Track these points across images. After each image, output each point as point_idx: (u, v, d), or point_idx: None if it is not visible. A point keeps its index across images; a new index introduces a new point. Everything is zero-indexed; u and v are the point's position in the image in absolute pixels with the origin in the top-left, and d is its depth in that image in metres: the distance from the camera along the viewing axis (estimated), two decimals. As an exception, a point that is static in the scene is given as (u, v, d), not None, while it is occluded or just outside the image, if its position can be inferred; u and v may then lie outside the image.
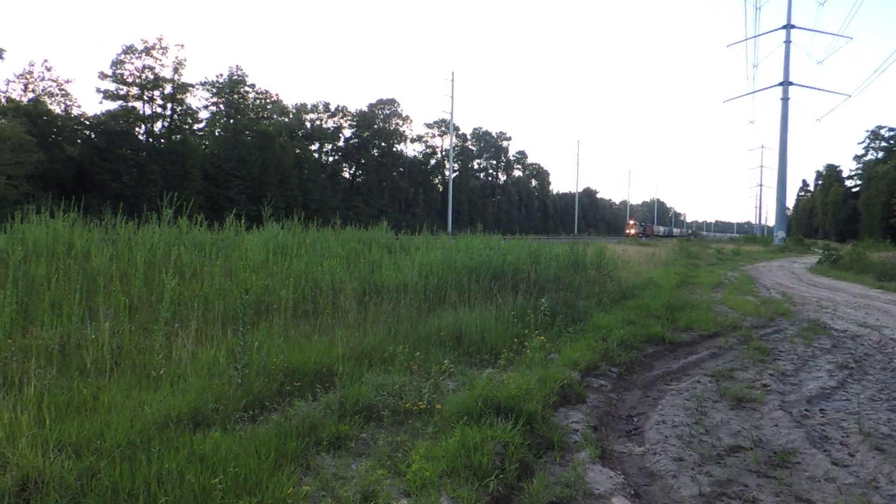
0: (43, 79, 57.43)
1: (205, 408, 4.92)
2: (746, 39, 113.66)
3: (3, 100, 51.63)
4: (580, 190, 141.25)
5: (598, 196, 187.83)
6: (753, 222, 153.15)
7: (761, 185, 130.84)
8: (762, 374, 8.11)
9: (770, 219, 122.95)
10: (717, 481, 4.60)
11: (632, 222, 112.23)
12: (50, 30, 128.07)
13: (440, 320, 8.60)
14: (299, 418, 4.89)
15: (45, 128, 50.75)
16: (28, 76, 57.01)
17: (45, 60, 79.93)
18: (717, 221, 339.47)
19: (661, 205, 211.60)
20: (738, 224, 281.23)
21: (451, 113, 69.41)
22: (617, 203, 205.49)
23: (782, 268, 31.47)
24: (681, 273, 23.04)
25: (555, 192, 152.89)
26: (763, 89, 73.66)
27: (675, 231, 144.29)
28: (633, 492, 4.40)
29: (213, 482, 3.64)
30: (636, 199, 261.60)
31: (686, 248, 42.45)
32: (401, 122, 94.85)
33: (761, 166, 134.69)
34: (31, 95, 55.82)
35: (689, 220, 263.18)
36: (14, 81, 56.51)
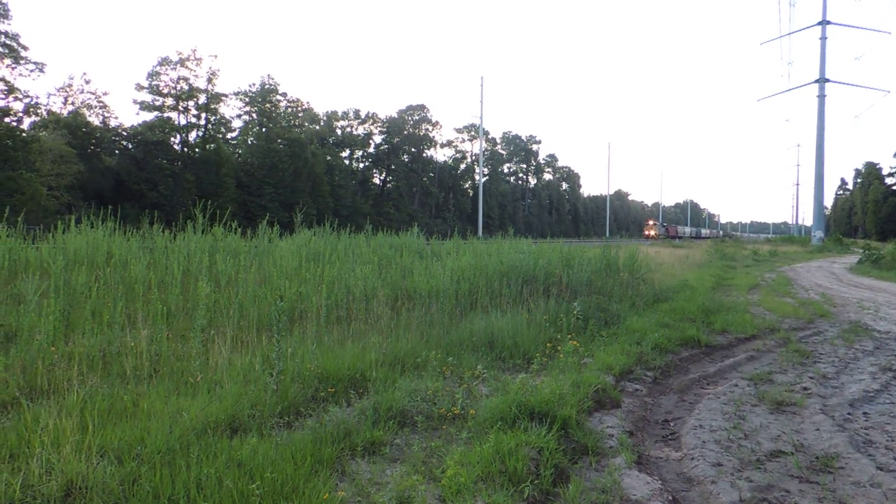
0: (82, 91, 59.11)
1: (241, 414, 4.98)
2: (781, 37, 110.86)
3: (45, 113, 53.08)
4: (611, 192, 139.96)
5: (630, 198, 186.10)
6: (790, 222, 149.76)
7: (798, 185, 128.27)
8: (802, 377, 7.93)
9: (807, 218, 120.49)
10: (757, 487, 4.51)
11: (651, 223, 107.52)
12: (89, 44, 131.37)
13: (472, 325, 8.60)
14: (334, 424, 4.92)
15: (85, 139, 52.08)
16: (68, 89, 58.68)
17: (84, 73, 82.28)
18: (752, 222, 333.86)
19: (694, 206, 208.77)
20: (774, 224, 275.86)
21: (481, 117, 69.47)
22: (649, 205, 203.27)
23: (821, 268, 30.76)
24: (716, 275, 22.68)
25: (585, 195, 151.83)
26: (798, 87, 72.34)
27: (705, 232, 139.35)
28: (670, 498, 4.34)
29: (250, 488, 3.69)
30: (669, 201, 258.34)
31: (721, 250, 41.83)
32: (430, 128, 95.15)
33: (797, 165, 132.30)
34: (70, 108, 57.43)
35: (723, 221, 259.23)
36: (55, 95, 58.28)
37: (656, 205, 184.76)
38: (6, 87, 44.26)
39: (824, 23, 62.67)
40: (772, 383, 7.59)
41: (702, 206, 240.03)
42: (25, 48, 44.39)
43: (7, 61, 43.86)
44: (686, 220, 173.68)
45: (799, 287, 19.98)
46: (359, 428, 4.96)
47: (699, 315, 12.00)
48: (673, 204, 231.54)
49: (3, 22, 43.07)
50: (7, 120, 44.23)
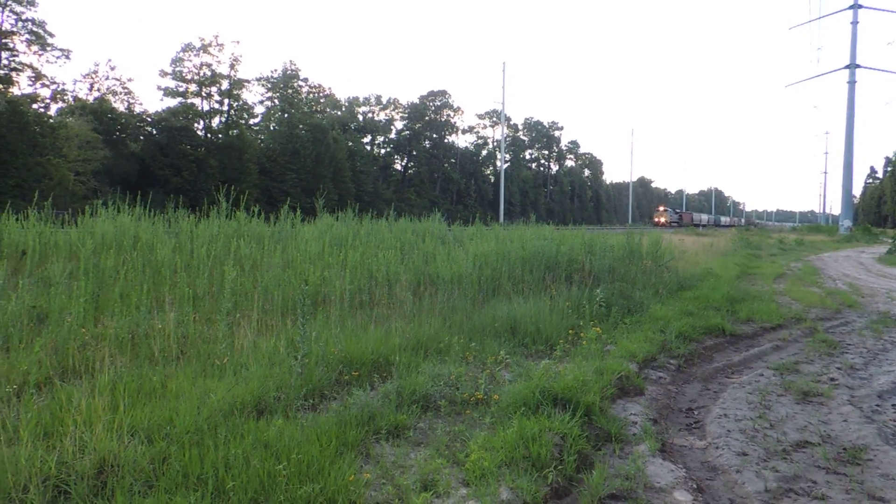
0: (107, 78, 59.71)
1: (267, 396, 5.04)
2: (810, 21, 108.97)
3: (71, 99, 53.75)
4: (634, 179, 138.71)
5: (653, 185, 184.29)
6: (817, 211, 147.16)
7: (826, 173, 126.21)
8: (829, 367, 7.84)
9: (835, 207, 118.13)
10: (783, 477, 4.47)
11: (661, 209, 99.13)
12: (114, 30, 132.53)
13: (495, 311, 8.60)
14: (358, 407, 4.96)
15: (110, 125, 52.68)
16: (93, 76, 59.32)
17: (109, 60, 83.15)
18: (778, 210, 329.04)
19: (718, 194, 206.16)
20: (800, 213, 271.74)
21: (503, 103, 69.08)
22: (672, 192, 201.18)
23: (849, 258, 30.26)
24: (740, 263, 22.41)
25: (608, 182, 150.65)
26: (828, 73, 70.68)
27: (725, 220, 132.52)
28: (695, 486, 4.32)
29: (277, 468, 3.74)
30: (693, 189, 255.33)
31: (746, 238, 41.31)
32: (452, 114, 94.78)
33: (826, 153, 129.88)
34: (96, 94, 58.07)
35: (748, 209, 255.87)
36: (81, 81, 58.94)
37: (680, 192, 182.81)
38: (33, 74, 44.88)
39: (856, 7, 61.22)
40: (798, 373, 7.51)
41: (726, 194, 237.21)
42: (52, 35, 44.87)
43: (34, 48, 44.39)
44: (710, 207, 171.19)
45: (826, 277, 19.69)
46: (383, 411, 4.99)
47: (724, 304, 11.88)
48: (697, 191, 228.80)
49: (30, 9, 43.58)
50: (35, 106, 44.88)
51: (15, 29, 43.12)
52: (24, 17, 43.31)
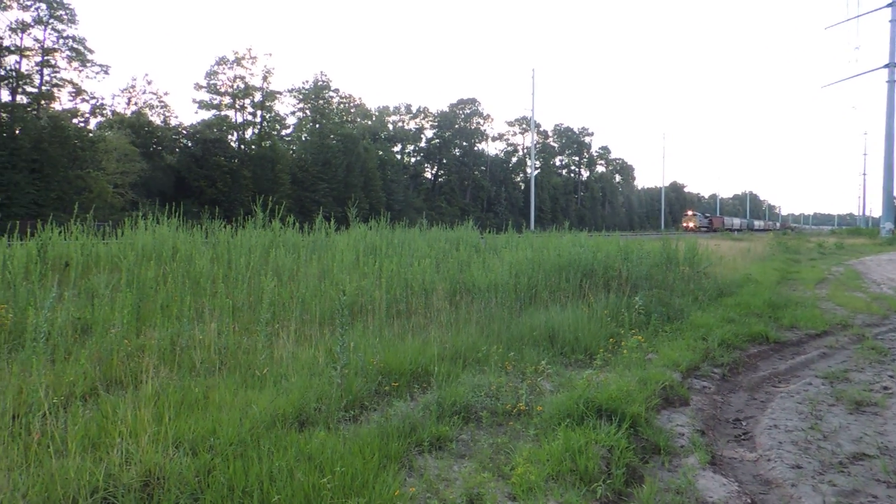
0: (144, 92, 61.16)
1: (308, 407, 5.02)
2: (847, 20, 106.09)
3: (110, 113, 55.01)
4: (666, 184, 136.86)
5: (686, 190, 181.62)
6: (856, 213, 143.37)
7: (865, 174, 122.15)
8: (881, 375, 7.56)
9: (875, 209, 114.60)
10: (841, 492, 4.30)
11: (689, 213, 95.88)
12: (150, 46, 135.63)
13: (532, 320, 8.50)
14: (399, 418, 4.91)
15: (147, 138, 53.80)
16: (131, 90, 60.77)
17: (146, 74, 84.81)
18: (815, 214, 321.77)
19: (753, 197, 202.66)
20: (838, 216, 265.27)
21: (532, 110, 68.90)
22: (706, 197, 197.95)
23: (892, 261, 29.39)
24: (780, 268, 21.93)
25: (640, 187, 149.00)
26: (866, 72, 68.80)
27: (758, 224, 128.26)
28: (748, 501, 4.18)
29: (321, 482, 3.70)
30: (727, 193, 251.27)
31: (783, 243, 40.43)
32: (482, 121, 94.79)
33: (865, 154, 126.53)
34: (133, 108, 59.45)
35: (784, 212, 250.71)
36: (119, 95, 60.48)
37: (714, 196, 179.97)
38: (74, 90, 46.03)
39: (894, 4, 59.75)
40: (849, 382, 7.26)
41: (761, 198, 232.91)
42: (91, 51, 46.03)
43: (75, 64, 45.58)
44: (745, 212, 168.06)
45: (870, 281, 19.13)
46: (424, 423, 4.94)
47: (765, 310, 11.61)
48: (731, 196, 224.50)
49: (71, 26, 44.75)
50: (75, 121, 46.01)
51: (57, 46, 44.33)
52: (65, 34, 44.53)
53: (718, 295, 13.10)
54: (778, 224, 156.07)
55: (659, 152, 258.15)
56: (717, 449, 5.18)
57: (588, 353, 7.77)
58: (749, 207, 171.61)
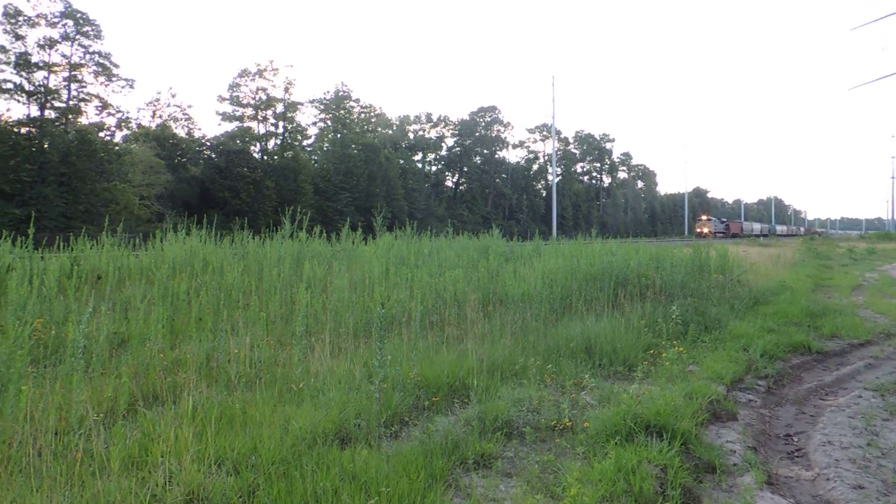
0: (168, 105, 62.02)
1: (348, 423, 4.92)
2: (875, 21, 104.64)
3: (135, 126, 55.77)
4: (690, 190, 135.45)
5: (709, 195, 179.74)
6: (885, 217, 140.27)
7: (894, 178, 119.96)
8: (934, 387, 7.28)
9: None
10: (910, 514, 4.08)
11: (703, 218, 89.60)
12: (174, 59, 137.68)
13: (568, 330, 8.33)
14: (441, 435, 4.78)
15: (172, 150, 54.41)
16: (155, 103, 61.68)
17: (170, 88, 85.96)
18: (842, 218, 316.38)
19: (778, 202, 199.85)
20: (866, 220, 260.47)
21: (553, 117, 68.53)
22: (730, 202, 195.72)
23: (927, 267, 28.71)
24: (812, 275, 21.50)
25: (662, 193, 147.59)
26: (894, 74, 67.33)
27: (781, 229, 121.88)
28: (812, 523, 3.98)
29: (369, 503, 3.58)
30: (751, 198, 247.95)
31: (813, 248, 39.78)
32: (502, 129, 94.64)
33: (893, 157, 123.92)
34: (158, 121, 60.26)
35: (809, 217, 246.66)
36: (144, 109, 61.42)
37: (738, 201, 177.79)
38: (100, 104, 46.70)
39: (923, 5, 58.65)
40: (901, 394, 7.00)
41: (786, 203, 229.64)
42: (117, 66, 46.68)
43: (101, 79, 46.25)
44: (769, 217, 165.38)
45: (907, 287, 18.65)
46: (466, 439, 4.80)
47: (804, 319, 11.34)
48: (756, 201, 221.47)
49: (97, 42, 45.46)
50: (102, 134, 46.66)
51: (83, 61, 45.04)
52: (91, 49, 45.22)
53: (754, 303, 12.82)
54: (802, 229, 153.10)
55: (682, 158, 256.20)
56: (771, 467, 4.97)
57: (627, 365, 7.59)
58: (773, 212, 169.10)
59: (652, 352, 7.99)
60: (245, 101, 61.75)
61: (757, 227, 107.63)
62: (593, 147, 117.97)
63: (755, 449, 5.28)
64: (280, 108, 62.83)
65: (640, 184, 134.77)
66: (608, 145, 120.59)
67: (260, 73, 61.79)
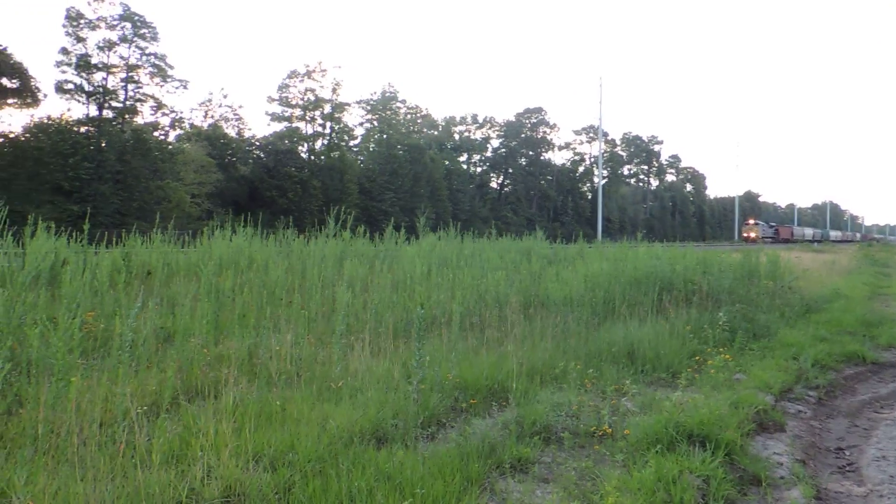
0: (220, 105, 63.52)
1: (385, 423, 4.92)
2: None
3: (188, 126, 57.24)
4: (740, 193, 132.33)
5: (761, 199, 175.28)
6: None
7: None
8: None
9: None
10: (970, 536, 3.88)
11: (751, 222, 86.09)
12: (226, 60, 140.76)
13: (610, 335, 8.20)
14: (478, 438, 4.75)
15: (222, 150, 55.62)
16: (208, 104, 63.20)
17: (222, 89, 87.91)
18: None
19: (833, 207, 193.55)
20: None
21: (600, 119, 67.79)
22: (783, 206, 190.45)
23: None
24: (869, 283, 20.77)
25: (712, 197, 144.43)
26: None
27: (834, 234, 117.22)
28: (863, 542, 3.82)
29: (403, 504, 3.57)
30: (805, 202, 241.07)
31: (870, 255, 38.37)
32: (548, 130, 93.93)
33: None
34: (210, 121, 61.71)
35: (867, 223, 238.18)
36: (196, 109, 63.01)
37: (791, 206, 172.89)
38: (155, 104, 48.10)
39: None
40: (963, 410, 6.67)
41: (843, 208, 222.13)
42: (171, 67, 48.00)
43: (156, 80, 47.61)
44: (824, 222, 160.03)
45: (972, 297, 17.82)
46: (503, 443, 4.75)
47: (859, 328, 10.94)
48: (810, 205, 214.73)
49: (153, 44, 46.80)
50: (156, 133, 48.08)
51: (140, 62, 46.43)
52: (147, 51, 46.58)
53: (806, 311, 12.44)
54: (859, 235, 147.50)
55: (733, 160, 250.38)
56: (820, 481, 4.79)
57: (670, 372, 7.43)
58: (829, 217, 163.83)
59: (697, 359, 7.81)
60: (294, 102, 62.75)
61: (809, 232, 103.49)
62: (641, 149, 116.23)
63: (804, 462, 5.10)
64: (327, 108, 63.61)
65: (688, 187, 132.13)
66: (656, 147, 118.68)
67: (308, 74, 62.69)
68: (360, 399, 5.41)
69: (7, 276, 6.81)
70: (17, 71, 39.27)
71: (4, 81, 39.03)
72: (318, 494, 3.69)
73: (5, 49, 38.43)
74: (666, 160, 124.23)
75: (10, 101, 40.09)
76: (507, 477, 4.34)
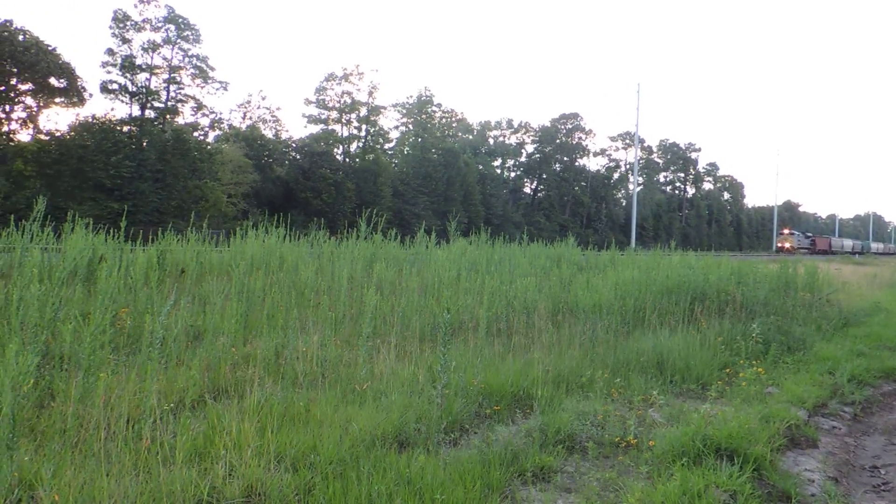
0: (258, 107, 64.51)
1: (407, 427, 4.91)
2: None
3: (227, 127, 58.25)
4: (780, 203, 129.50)
5: (801, 209, 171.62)
6: None
7: None
8: None
9: None
10: None
11: (786, 232, 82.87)
12: (266, 62, 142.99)
13: (639, 344, 8.09)
14: (501, 444, 4.72)
15: (259, 151, 56.47)
16: (246, 105, 64.34)
17: (261, 90, 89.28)
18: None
19: (877, 218, 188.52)
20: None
21: (637, 125, 66.95)
22: (823, 217, 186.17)
23: None
24: (913, 297, 20.16)
25: (750, 206, 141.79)
26: None
27: (876, 246, 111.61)
28: (896, 566, 3.69)
29: (422, 510, 3.56)
30: (847, 213, 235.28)
31: (915, 268, 37.22)
32: (583, 136, 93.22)
33: None
34: (248, 122, 62.76)
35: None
36: (235, 110, 64.23)
37: (832, 216, 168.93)
38: (196, 105, 49.11)
39: None
40: None
41: (886, 220, 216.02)
42: (213, 69, 48.97)
43: (197, 81, 48.60)
44: (867, 233, 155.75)
45: None
46: (526, 451, 4.71)
47: (900, 343, 10.61)
48: (852, 216, 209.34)
49: (195, 45, 47.78)
50: (196, 134, 49.04)
51: (182, 64, 47.42)
52: (190, 52, 47.59)
53: (844, 324, 12.12)
54: None
55: (772, 169, 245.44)
56: (853, 500, 4.65)
57: (700, 383, 7.30)
58: (872, 228, 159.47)
59: (728, 371, 7.66)
60: (330, 105, 63.46)
61: (848, 243, 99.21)
62: (677, 156, 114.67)
63: (836, 480, 4.95)
64: (364, 111, 64.16)
65: (725, 195, 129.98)
66: (693, 155, 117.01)
67: (346, 77, 63.34)
68: (383, 402, 5.42)
69: (45, 272, 6.99)
70: (65, 71, 40.43)
71: (52, 81, 40.20)
72: (339, 497, 3.70)
73: (54, 49, 39.61)
74: (703, 168, 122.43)
75: (57, 100, 41.30)
76: (529, 485, 4.31)
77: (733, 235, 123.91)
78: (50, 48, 39.23)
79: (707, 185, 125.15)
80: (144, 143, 43.98)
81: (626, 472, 4.61)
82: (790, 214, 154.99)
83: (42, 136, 40.56)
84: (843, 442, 6.05)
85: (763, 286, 12.10)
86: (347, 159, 63.55)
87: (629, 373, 7.14)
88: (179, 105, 48.26)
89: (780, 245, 78.62)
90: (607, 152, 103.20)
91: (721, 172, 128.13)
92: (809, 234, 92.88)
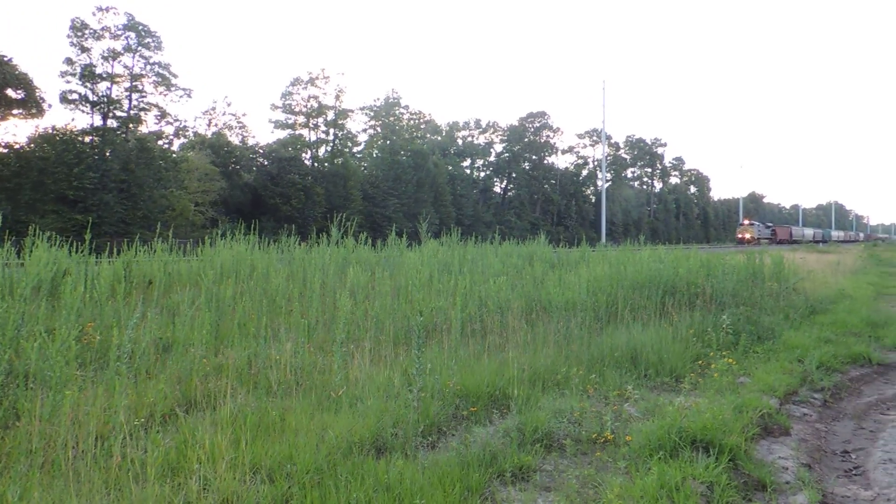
0: (224, 113, 63.76)
1: (385, 432, 4.87)
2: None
3: (192, 134, 57.44)
4: (745, 195, 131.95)
5: (765, 200, 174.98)
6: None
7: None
8: None
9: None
10: (979, 542, 3.81)
11: (745, 223, 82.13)
12: (229, 68, 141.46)
13: (613, 339, 8.14)
14: (479, 446, 4.70)
15: (226, 158, 55.71)
16: (211, 112, 63.54)
17: (226, 97, 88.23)
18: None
19: (839, 207, 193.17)
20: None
21: (603, 122, 67.60)
22: (787, 207, 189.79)
23: None
24: (874, 283, 20.67)
25: (716, 199, 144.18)
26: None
27: (836, 234, 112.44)
28: (870, 549, 3.75)
29: (401, 515, 3.53)
30: (810, 203, 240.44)
31: (876, 255, 38.23)
32: (551, 134, 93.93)
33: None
34: (214, 129, 61.98)
35: (873, 223, 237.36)
36: (200, 117, 63.40)
37: (795, 206, 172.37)
38: (159, 113, 48.32)
39: None
40: (971, 411, 6.59)
41: (847, 208, 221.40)
42: (175, 76, 48.19)
43: (160, 89, 47.80)
44: (829, 222, 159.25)
45: (979, 297, 17.69)
46: (505, 451, 4.70)
47: (865, 329, 10.87)
48: (815, 206, 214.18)
49: (157, 53, 46.99)
50: (160, 142, 48.27)
51: (144, 72, 46.61)
52: (151, 60, 46.77)
53: (810, 312, 12.36)
54: (862, 235, 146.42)
55: (737, 162, 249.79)
56: (827, 486, 4.73)
57: (674, 376, 7.37)
58: (834, 218, 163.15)
59: (700, 362, 7.76)
60: (297, 109, 62.96)
61: (809, 232, 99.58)
62: (644, 152, 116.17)
63: (809, 466, 5.03)
64: (331, 115, 63.77)
65: (692, 189, 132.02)
66: (660, 150, 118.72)
67: (312, 81, 62.91)
68: (359, 408, 5.37)
69: (7, 288, 6.80)
70: (22, 81, 39.46)
71: (9, 92, 39.21)
72: (316, 506, 3.65)
73: (10, 60, 38.64)
74: (670, 162, 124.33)
75: (14, 111, 40.29)
76: (508, 486, 4.30)
77: (701, 228, 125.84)
78: (5, 59, 38.28)
79: (674, 180, 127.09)
80: (107, 154, 43.11)
81: (604, 468, 4.63)
82: (755, 206, 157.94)
83: (0, 149, 39.54)
84: (815, 428, 6.16)
85: (731, 277, 12.27)
86: (316, 164, 63.11)
87: (604, 368, 7.18)
88: (142, 113, 47.39)
89: (740, 236, 77.76)
90: (575, 150, 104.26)
91: (687, 166, 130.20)
92: (770, 224, 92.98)
